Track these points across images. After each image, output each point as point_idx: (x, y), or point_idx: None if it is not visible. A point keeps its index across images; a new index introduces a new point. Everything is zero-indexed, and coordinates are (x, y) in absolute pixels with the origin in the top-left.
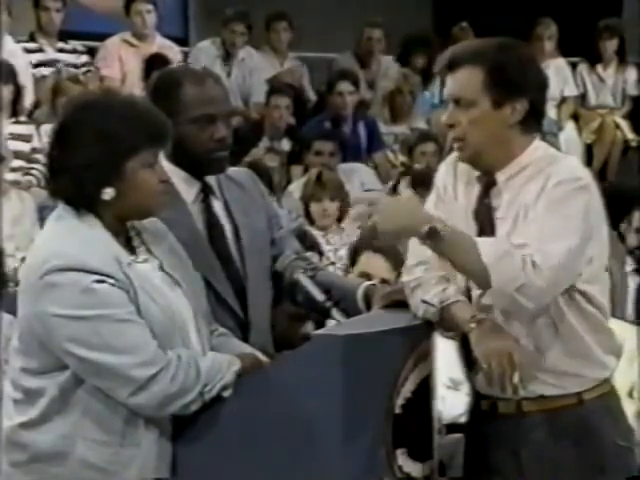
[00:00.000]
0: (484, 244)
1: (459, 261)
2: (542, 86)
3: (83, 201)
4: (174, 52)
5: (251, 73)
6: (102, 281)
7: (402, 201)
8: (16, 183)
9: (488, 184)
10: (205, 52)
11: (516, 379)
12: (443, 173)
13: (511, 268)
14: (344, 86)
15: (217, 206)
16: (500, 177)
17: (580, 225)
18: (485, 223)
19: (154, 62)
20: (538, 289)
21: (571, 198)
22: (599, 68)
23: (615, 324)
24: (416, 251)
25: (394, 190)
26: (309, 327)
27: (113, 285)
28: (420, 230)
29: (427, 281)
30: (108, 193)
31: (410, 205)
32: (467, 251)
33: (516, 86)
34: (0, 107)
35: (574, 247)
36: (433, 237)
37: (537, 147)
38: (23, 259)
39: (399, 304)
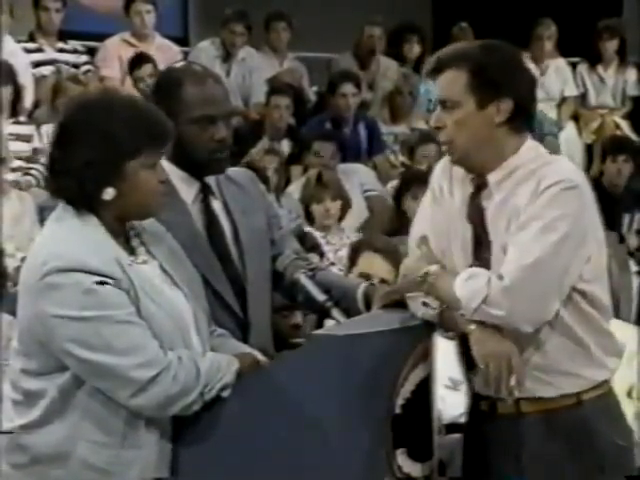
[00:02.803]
0: (462, 273)
1: (438, 291)
2: (527, 85)
3: (84, 201)
4: (174, 52)
5: (251, 73)
6: (103, 282)
7: None
8: (16, 183)
9: (479, 186)
10: (205, 52)
11: (512, 382)
12: (439, 174)
13: (475, 285)
14: (347, 88)
15: (216, 206)
16: (491, 179)
17: (567, 221)
18: (477, 223)
19: (138, 61)
20: (503, 291)
21: (556, 200)
22: (599, 68)
23: (616, 324)
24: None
25: (397, 194)
26: (298, 317)
27: (114, 286)
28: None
29: None
30: (109, 193)
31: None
32: (445, 280)
33: (499, 85)
34: (0, 108)
35: (554, 241)
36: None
37: (529, 148)
38: (23, 259)
39: (399, 304)
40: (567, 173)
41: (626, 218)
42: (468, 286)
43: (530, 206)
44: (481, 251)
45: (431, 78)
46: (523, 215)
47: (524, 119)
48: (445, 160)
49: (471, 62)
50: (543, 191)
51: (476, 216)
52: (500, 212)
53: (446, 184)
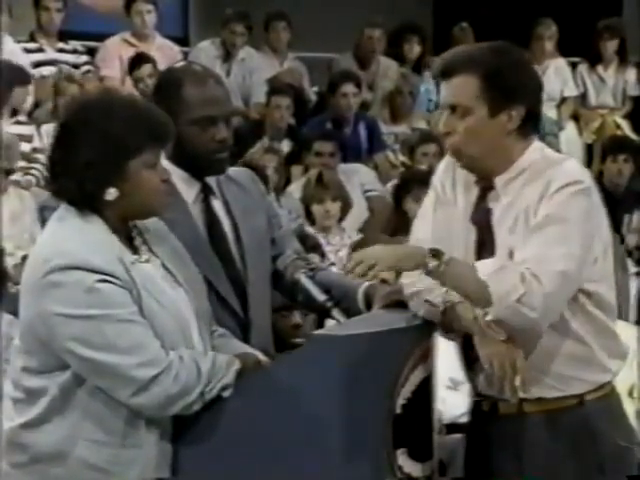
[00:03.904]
0: (481, 263)
1: (459, 283)
2: (537, 90)
3: (86, 201)
4: (174, 52)
5: (251, 73)
6: (105, 280)
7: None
8: (16, 183)
9: (486, 188)
10: (205, 52)
11: (517, 382)
12: (441, 174)
13: (509, 280)
14: (349, 88)
15: (217, 206)
16: (498, 182)
17: (581, 230)
18: (483, 226)
19: (138, 61)
20: (541, 295)
21: (571, 203)
22: (599, 68)
23: (618, 325)
24: None
25: (397, 193)
26: (297, 317)
27: (116, 285)
28: (424, 252)
29: (431, 282)
30: (111, 193)
31: (395, 245)
32: (466, 273)
33: (512, 92)
34: (0, 113)
35: (575, 253)
36: (437, 257)
37: (534, 149)
38: (24, 257)
39: (399, 304)
40: (577, 174)
41: (626, 218)
42: (501, 280)
43: (545, 206)
44: (484, 253)
45: (439, 81)
46: (537, 215)
47: (533, 124)
48: (448, 159)
49: (484, 67)
50: (558, 191)
51: (483, 218)
52: (507, 214)
53: (449, 183)
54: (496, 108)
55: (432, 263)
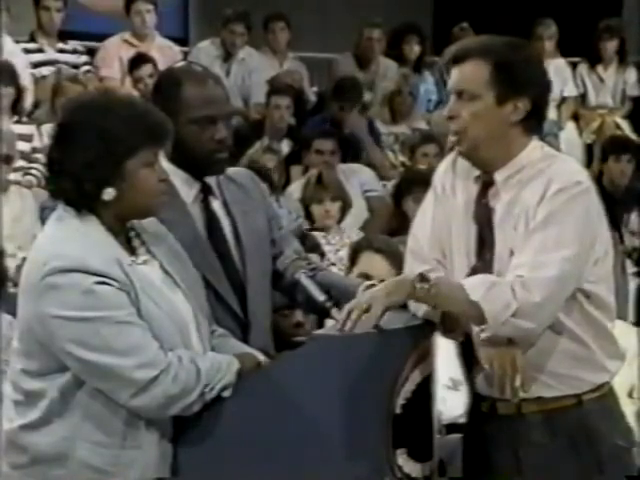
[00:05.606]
0: (469, 282)
1: (451, 305)
2: (545, 87)
3: (83, 201)
4: (174, 52)
5: (250, 73)
6: (103, 282)
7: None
8: (16, 183)
9: (486, 184)
10: (205, 52)
11: (517, 382)
12: (442, 172)
13: (501, 297)
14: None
15: (217, 206)
16: (498, 177)
17: (580, 232)
18: (484, 224)
19: (138, 61)
20: (534, 306)
21: (571, 205)
22: (599, 68)
23: (616, 324)
24: (417, 253)
25: (397, 193)
26: (299, 315)
27: (114, 287)
28: (411, 279)
29: None
30: (108, 193)
31: (382, 283)
32: (456, 293)
33: (520, 84)
34: (0, 107)
35: (572, 256)
36: (425, 281)
37: (535, 147)
38: (24, 259)
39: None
40: (576, 175)
41: (626, 218)
42: (493, 297)
43: (544, 207)
44: (484, 251)
45: (450, 67)
46: (537, 216)
47: (537, 121)
48: (448, 159)
49: (495, 56)
50: (557, 193)
51: (484, 216)
52: (508, 213)
53: (449, 182)
54: (503, 97)
55: (421, 286)
